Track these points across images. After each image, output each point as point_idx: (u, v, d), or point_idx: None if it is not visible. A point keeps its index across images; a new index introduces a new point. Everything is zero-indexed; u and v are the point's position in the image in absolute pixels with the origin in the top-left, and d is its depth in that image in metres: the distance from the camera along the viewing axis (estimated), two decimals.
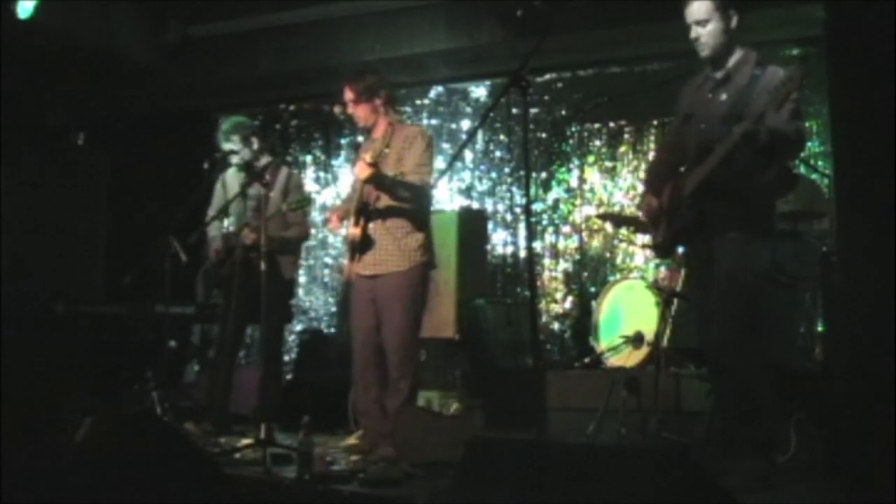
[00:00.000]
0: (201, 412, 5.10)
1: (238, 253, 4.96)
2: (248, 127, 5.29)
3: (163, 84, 7.30)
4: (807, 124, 5.98)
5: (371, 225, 4.35)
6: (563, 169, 7.05)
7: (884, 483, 2.58)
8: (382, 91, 4.44)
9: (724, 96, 3.64)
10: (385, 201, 4.33)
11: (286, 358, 6.94)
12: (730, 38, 3.62)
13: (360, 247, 4.36)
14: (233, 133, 5.17)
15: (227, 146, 5.20)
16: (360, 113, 4.44)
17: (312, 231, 5.80)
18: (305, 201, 4.81)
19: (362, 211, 4.36)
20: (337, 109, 4.50)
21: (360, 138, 4.65)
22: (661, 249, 3.96)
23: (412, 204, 4.31)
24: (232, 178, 5.31)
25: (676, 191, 3.71)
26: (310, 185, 7.72)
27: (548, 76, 6.97)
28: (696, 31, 3.62)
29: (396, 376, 4.29)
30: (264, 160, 5.13)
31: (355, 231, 4.36)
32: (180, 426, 4.74)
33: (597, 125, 6.96)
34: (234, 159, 5.21)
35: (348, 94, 4.44)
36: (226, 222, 5.26)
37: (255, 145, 5.20)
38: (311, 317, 7.70)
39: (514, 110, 6.96)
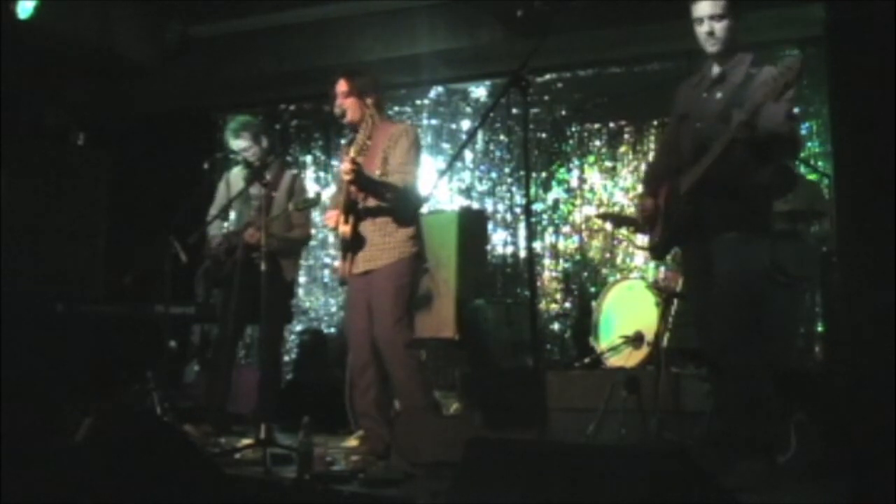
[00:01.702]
0: (200, 413, 5.10)
1: (239, 252, 4.96)
2: (257, 125, 5.29)
3: (163, 84, 7.30)
4: (807, 124, 6.02)
5: (361, 223, 4.37)
6: (563, 169, 7.06)
7: (884, 483, 2.58)
8: (374, 93, 4.48)
9: (719, 95, 3.65)
10: (372, 199, 4.35)
11: (286, 358, 6.94)
12: (736, 36, 3.63)
13: (351, 245, 4.37)
14: (242, 130, 5.17)
15: (236, 143, 5.18)
16: (349, 106, 4.46)
17: (313, 231, 5.81)
18: (313, 201, 4.82)
19: (351, 209, 4.37)
20: (336, 110, 4.52)
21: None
22: (657, 251, 3.96)
23: (396, 205, 4.32)
24: (236, 178, 5.30)
25: (673, 190, 3.71)
26: (310, 185, 7.72)
27: (548, 76, 6.97)
28: (709, 26, 3.60)
29: (401, 377, 4.30)
30: (271, 159, 5.13)
31: (345, 229, 4.37)
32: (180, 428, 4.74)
33: (597, 125, 6.97)
34: (245, 155, 5.20)
35: (342, 86, 4.48)
36: (226, 223, 5.27)
37: (265, 143, 5.21)
38: (311, 317, 7.70)
39: (514, 110, 6.97)
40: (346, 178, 4.20)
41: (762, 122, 3.36)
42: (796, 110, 3.88)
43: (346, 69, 4.67)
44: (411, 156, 4.36)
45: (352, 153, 4.22)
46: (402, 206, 4.31)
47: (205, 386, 5.37)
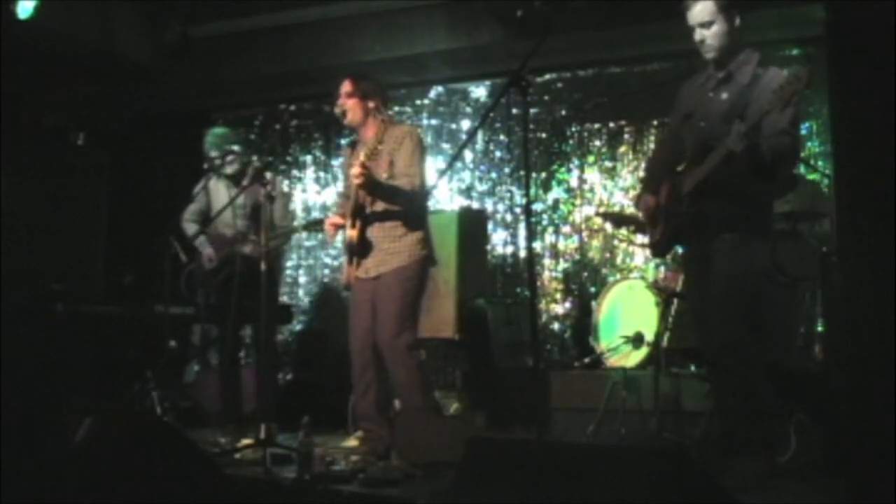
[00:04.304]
0: (212, 418, 5.13)
1: (238, 263, 5.00)
2: (230, 136, 5.47)
3: (163, 84, 7.30)
4: (807, 124, 6.02)
5: (369, 228, 4.36)
6: (563, 169, 7.05)
7: (884, 483, 2.58)
8: (378, 97, 4.48)
9: (724, 95, 3.64)
10: (381, 204, 4.35)
11: (286, 358, 6.94)
12: (733, 38, 3.62)
13: (358, 250, 4.37)
14: (224, 143, 5.33)
15: (228, 160, 5.29)
16: (351, 107, 4.47)
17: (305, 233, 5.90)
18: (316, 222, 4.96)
19: (358, 214, 4.36)
20: (336, 110, 4.54)
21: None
22: (658, 249, 3.96)
23: (405, 209, 4.32)
24: (215, 186, 5.39)
25: (675, 190, 3.71)
26: (310, 185, 7.75)
27: (548, 76, 6.97)
28: (700, 34, 3.61)
29: (401, 378, 4.29)
30: (250, 164, 5.27)
31: (352, 234, 4.37)
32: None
33: (597, 125, 6.96)
34: (225, 169, 5.28)
35: (346, 87, 4.49)
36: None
37: (238, 150, 5.36)
38: (311, 317, 7.69)
39: (514, 110, 6.96)
40: (356, 181, 4.19)
41: (764, 129, 3.36)
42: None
43: (352, 71, 4.70)
44: (416, 158, 4.37)
45: (362, 157, 4.20)
46: (410, 210, 4.32)
47: (222, 390, 5.37)
